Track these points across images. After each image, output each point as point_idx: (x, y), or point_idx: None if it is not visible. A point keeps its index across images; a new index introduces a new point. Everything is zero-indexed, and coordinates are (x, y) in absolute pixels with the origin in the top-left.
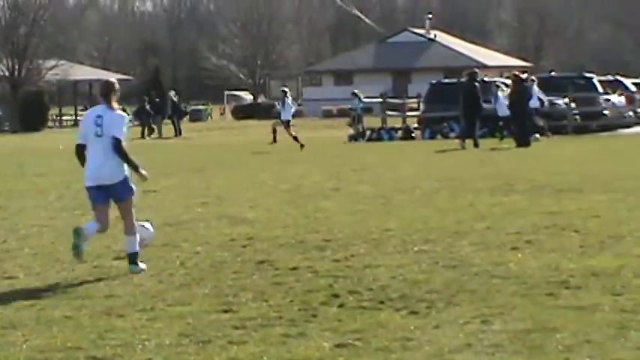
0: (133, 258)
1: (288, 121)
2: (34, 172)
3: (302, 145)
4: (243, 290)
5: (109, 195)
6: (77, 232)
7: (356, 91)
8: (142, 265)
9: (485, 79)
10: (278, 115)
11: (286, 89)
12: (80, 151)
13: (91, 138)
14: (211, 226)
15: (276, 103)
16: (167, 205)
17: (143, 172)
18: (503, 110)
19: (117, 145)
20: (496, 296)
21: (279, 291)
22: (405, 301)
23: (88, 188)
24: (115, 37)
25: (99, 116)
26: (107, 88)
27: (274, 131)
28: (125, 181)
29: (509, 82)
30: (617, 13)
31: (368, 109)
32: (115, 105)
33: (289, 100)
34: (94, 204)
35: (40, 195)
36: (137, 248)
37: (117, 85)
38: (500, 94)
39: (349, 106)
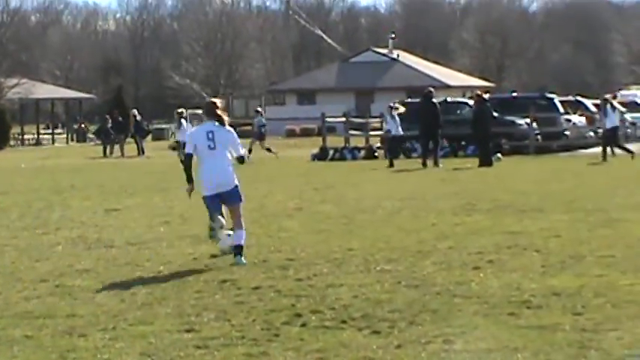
0: (239, 250)
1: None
2: None
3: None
4: (206, 310)
5: (222, 200)
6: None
7: (259, 109)
8: (244, 260)
9: (449, 99)
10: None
11: (259, 109)
12: (189, 159)
13: (205, 152)
14: (174, 246)
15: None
16: (130, 225)
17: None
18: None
19: (242, 162)
20: (458, 316)
21: (242, 310)
22: (367, 321)
23: (208, 197)
24: (78, 55)
25: (210, 132)
26: (212, 107)
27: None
28: (237, 187)
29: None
30: (578, 34)
31: (331, 129)
32: (225, 119)
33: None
34: (213, 210)
35: (1, 213)
36: (243, 242)
37: (219, 103)
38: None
39: (255, 124)
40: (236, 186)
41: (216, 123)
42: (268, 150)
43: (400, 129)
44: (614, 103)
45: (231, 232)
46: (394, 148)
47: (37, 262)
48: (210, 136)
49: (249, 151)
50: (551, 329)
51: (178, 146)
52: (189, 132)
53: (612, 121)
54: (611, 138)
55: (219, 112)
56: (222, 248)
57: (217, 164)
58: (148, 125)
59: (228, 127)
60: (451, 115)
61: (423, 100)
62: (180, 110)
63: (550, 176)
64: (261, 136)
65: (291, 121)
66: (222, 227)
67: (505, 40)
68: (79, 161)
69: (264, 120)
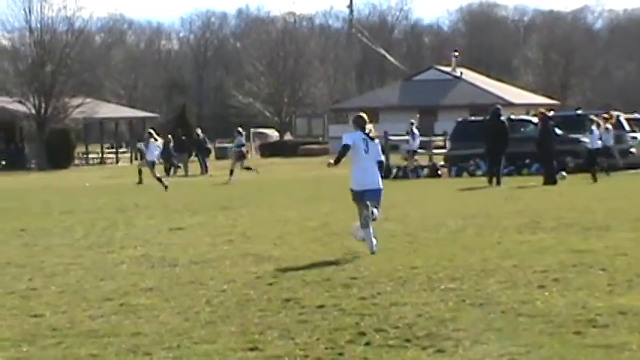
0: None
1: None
2: (60, 209)
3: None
4: (270, 328)
5: (367, 197)
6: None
7: (240, 129)
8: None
9: (513, 117)
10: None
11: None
12: (346, 150)
13: (361, 154)
14: (237, 264)
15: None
16: (193, 243)
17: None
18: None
19: (381, 165)
20: (523, 334)
21: (306, 329)
22: (431, 340)
23: (357, 192)
24: (141, 74)
25: (364, 139)
26: (364, 122)
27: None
28: (382, 189)
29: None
30: None
31: (394, 147)
32: (372, 134)
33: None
34: (358, 203)
35: (66, 233)
36: (378, 217)
37: (366, 117)
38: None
39: (235, 144)
40: (381, 188)
41: (368, 136)
42: (247, 168)
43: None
44: None
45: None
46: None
47: (101, 280)
48: (365, 144)
49: (231, 172)
50: (618, 348)
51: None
52: (347, 134)
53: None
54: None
55: (367, 126)
56: (356, 235)
57: (368, 167)
58: (211, 143)
59: (376, 140)
60: (515, 133)
61: (491, 118)
62: (150, 131)
63: (616, 194)
64: (240, 156)
65: None
66: (369, 216)
67: (569, 57)
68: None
69: (243, 140)
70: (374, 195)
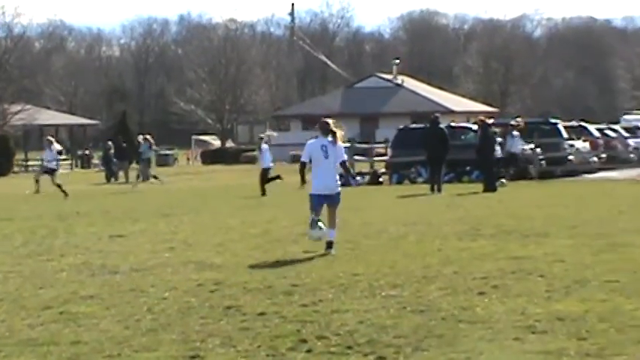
0: (331, 244)
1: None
2: None
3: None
4: (211, 336)
5: (326, 201)
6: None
7: (148, 136)
8: (333, 251)
9: (453, 124)
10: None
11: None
12: (303, 166)
13: (321, 161)
14: (178, 272)
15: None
16: (134, 250)
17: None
18: None
19: (343, 164)
20: (463, 341)
21: (247, 336)
22: (372, 346)
23: (315, 195)
24: (82, 81)
25: (324, 146)
26: (328, 125)
27: None
28: (339, 193)
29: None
30: (581, 60)
31: None
32: (338, 138)
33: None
34: (316, 207)
35: (5, 240)
36: (334, 238)
37: (330, 122)
38: None
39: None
40: (339, 191)
41: (330, 140)
42: (154, 177)
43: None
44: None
45: (323, 226)
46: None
47: (41, 288)
48: (325, 149)
49: (155, 177)
50: (556, 354)
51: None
52: (308, 143)
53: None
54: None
55: (333, 129)
56: (312, 235)
57: (328, 172)
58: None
59: (340, 143)
60: (456, 141)
61: (431, 126)
62: (49, 137)
63: (554, 201)
64: (148, 164)
65: (295, 146)
66: (319, 222)
67: (509, 65)
68: (83, 187)
69: (149, 147)
70: (332, 199)
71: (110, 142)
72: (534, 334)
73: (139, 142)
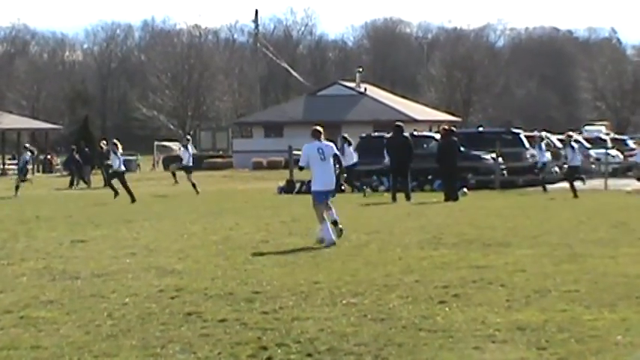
0: (336, 222)
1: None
2: None
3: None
4: (171, 342)
5: (326, 196)
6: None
7: (27, 145)
8: (341, 225)
9: (415, 133)
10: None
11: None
12: (300, 170)
13: (319, 162)
14: (139, 277)
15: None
16: (95, 256)
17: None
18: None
19: (338, 158)
20: (423, 349)
21: (208, 343)
22: (333, 354)
23: (319, 192)
24: (44, 85)
25: (320, 148)
26: (319, 133)
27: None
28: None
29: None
30: (544, 70)
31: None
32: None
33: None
34: (319, 203)
35: None
36: (337, 216)
37: (320, 129)
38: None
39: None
40: (335, 187)
41: (323, 142)
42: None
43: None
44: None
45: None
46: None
47: (1, 293)
48: (321, 152)
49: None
50: None
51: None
52: (306, 147)
53: (576, 158)
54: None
55: (322, 136)
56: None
57: (327, 171)
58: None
59: (330, 143)
60: (418, 149)
61: (394, 134)
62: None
63: (516, 211)
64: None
65: (258, 153)
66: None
67: (471, 75)
68: (45, 192)
69: (27, 157)
70: (331, 193)
71: (74, 147)
72: (494, 343)
73: (101, 148)
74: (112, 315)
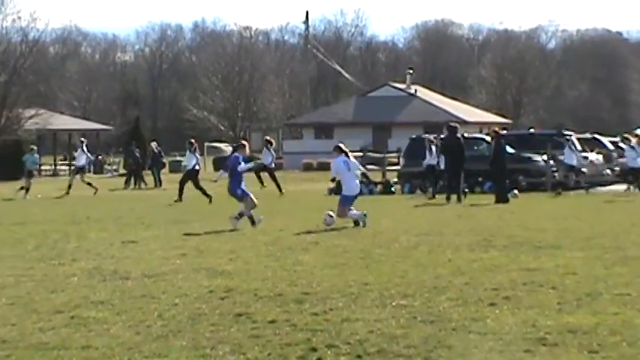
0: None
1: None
2: (11, 221)
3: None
4: (221, 343)
5: (354, 198)
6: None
7: (33, 146)
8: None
9: (466, 135)
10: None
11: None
12: (333, 180)
13: (346, 172)
14: (190, 278)
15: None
16: (146, 257)
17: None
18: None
19: (364, 174)
20: (473, 352)
21: (257, 344)
22: (382, 356)
23: (348, 197)
24: (96, 86)
25: (345, 161)
26: (341, 149)
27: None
28: None
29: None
30: (595, 71)
31: None
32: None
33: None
34: (346, 205)
35: (17, 244)
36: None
37: (343, 146)
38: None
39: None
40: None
41: (347, 157)
42: (88, 184)
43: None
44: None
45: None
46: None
47: (52, 293)
48: (347, 163)
49: (69, 186)
50: None
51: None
52: (335, 162)
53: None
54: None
55: (346, 150)
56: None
57: (354, 179)
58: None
59: (352, 158)
60: (468, 151)
61: (448, 135)
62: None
63: (567, 213)
64: (81, 170)
65: (308, 155)
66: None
67: (522, 76)
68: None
69: (90, 157)
70: (356, 197)
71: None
72: (545, 346)
73: (155, 149)
74: (162, 315)
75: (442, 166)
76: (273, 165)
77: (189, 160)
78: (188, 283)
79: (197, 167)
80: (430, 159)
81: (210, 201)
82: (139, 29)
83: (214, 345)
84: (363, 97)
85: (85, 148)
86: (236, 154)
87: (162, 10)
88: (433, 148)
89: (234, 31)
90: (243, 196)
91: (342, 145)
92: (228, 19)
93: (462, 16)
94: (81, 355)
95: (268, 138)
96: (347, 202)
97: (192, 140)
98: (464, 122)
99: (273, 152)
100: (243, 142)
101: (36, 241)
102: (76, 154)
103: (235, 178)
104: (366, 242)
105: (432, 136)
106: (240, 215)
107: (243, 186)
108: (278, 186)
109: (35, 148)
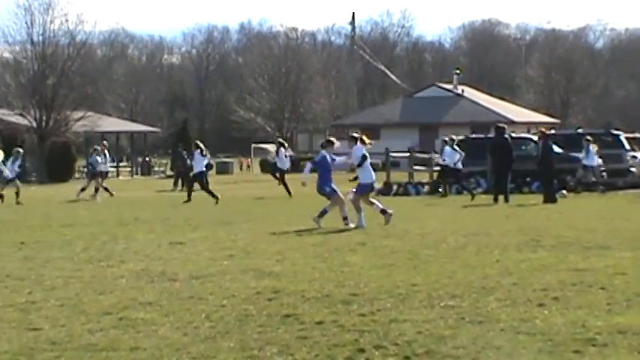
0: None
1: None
2: (60, 222)
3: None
4: (269, 344)
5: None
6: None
7: (97, 147)
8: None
9: (513, 135)
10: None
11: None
12: (358, 166)
13: (367, 162)
14: (237, 279)
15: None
16: (193, 258)
17: None
18: None
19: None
20: (522, 353)
21: (305, 345)
22: (430, 357)
23: (371, 183)
24: (143, 88)
25: (364, 155)
26: (363, 141)
27: None
28: None
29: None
30: None
31: (395, 164)
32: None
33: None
34: (366, 193)
35: (66, 246)
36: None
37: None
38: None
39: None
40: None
41: (363, 148)
42: (105, 189)
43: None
44: None
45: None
46: None
47: (100, 294)
48: (366, 155)
49: (89, 189)
50: None
51: None
52: (358, 149)
53: None
54: None
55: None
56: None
57: (371, 170)
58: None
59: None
60: (516, 151)
61: (496, 136)
62: (198, 142)
63: (615, 213)
64: (94, 175)
65: None
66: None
67: (570, 76)
68: (143, 194)
69: (99, 159)
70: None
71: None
72: (595, 347)
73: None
74: (209, 317)
75: (460, 166)
76: (288, 167)
77: (197, 163)
78: (235, 285)
79: (204, 169)
80: (445, 159)
81: (217, 202)
82: (186, 31)
83: (262, 346)
84: (409, 97)
85: (106, 152)
86: (323, 152)
87: (208, 12)
88: (447, 148)
89: (281, 32)
90: (332, 195)
91: (364, 137)
92: (275, 20)
93: (509, 16)
94: (129, 356)
95: (282, 141)
96: (367, 190)
97: (199, 142)
98: (511, 122)
99: (286, 154)
100: (331, 138)
101: (84, 243)
102: (99, 159)
103: (324, 177)
104: (413, 243)
105: (447, 137)
106: (323, 213)
107: (332, 184)
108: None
109: (99, 148)
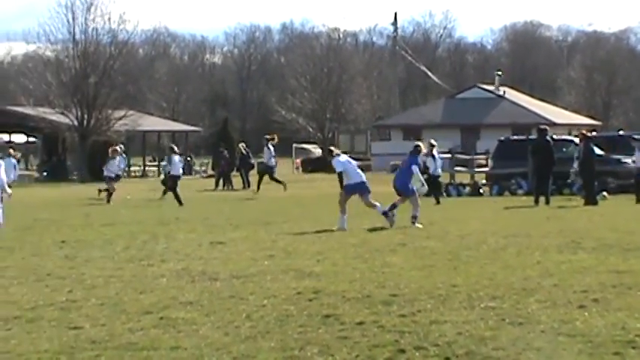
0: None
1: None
2: (100, 221)
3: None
4: (309, 344)
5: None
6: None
7: (173, 146)
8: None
9: (554, 136)
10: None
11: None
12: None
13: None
14: (278, 279)
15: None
16: (234, 258)
17: None
18: None
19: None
20: (562, 354)
21: (345, 345)
22: (471, 358)
23: (359, 184)
24: (185, 88)
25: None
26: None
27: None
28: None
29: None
30: None
31: None
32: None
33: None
34: (352, 195)
35: (106, 245)
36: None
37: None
38: None
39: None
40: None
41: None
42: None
43: None
44: None
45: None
46: None
47: (141, 294)
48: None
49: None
50: None
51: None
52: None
53: None
54: None
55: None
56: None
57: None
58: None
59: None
60: (557, 153)
61: (538, 137)
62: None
63: None
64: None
65: (396, 156)
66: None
67: (612, 78)
68: (184, 194)
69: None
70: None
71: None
72: (635, 349)
73: (243, 150)
74: (250, 316)
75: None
76: (274, 163)
77: (174, 165)
78: (276, 285)
79: (179, 173)
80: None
81: (181, 204)
82: (228, 31)
83: (302, 346)
84: (451, 98)
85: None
86: (413, 155)
87: (250, 12)
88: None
89: (323, 33)
90: (412, 195)
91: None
92: (317, 20)
93: (551, 18)
94: (170, 355)
95: (268, 136)
96: (356, 191)
97: (173, 146)
98: (553, 124)
99: (272, 151)
100: (419, 143)
101: (125, 242)
102: (116, 162)
103: (406, 176)
104: (454, 244)
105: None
106: (393, 207)
107: (412, 185)
108: (280, 182)
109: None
